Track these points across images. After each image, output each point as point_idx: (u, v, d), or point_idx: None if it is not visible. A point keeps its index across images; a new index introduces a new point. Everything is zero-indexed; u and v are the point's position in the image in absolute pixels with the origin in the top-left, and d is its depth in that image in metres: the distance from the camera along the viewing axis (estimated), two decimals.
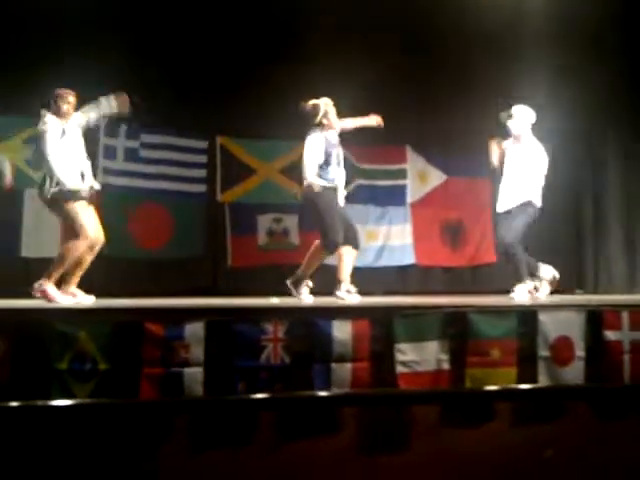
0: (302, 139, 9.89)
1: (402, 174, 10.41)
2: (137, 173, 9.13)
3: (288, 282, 7.26)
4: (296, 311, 5.99)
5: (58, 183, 6.59)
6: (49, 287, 6.54)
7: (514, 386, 5.69)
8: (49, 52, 8.62)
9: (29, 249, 8.69)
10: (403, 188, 10.43)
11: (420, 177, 10.49)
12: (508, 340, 5.83)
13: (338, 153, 7.26)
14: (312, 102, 7.20)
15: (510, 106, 7.79)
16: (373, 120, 7.63)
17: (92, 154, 9.05)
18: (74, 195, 6.64)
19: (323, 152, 7.11)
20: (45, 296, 6.48)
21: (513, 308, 6.07)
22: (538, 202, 7.67)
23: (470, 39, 9.58)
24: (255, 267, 9.73)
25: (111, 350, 5.22)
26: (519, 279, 7.52)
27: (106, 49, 8.72)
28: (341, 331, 5.60)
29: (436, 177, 10.54)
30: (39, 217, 8.71)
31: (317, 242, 7.26)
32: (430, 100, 10.16)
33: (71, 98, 6.87)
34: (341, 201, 7.28)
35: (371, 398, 5.35)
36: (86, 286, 8.69)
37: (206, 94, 9.21)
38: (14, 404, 4.73)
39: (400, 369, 5.66)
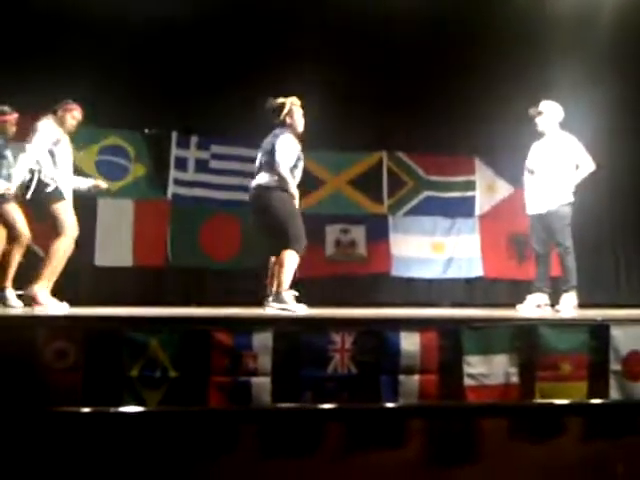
0: (368, 150, 10.05)
1: (471, 186, 10.36)
2: (208, 184, 9.25)
3: (271, 303, 6.78)
4: (363, 322, 5.98)
5: (46, 183, 6.60)
6: (40, 292, 6.52)
7: (585, 401, 5.59)
8: (121, 65, 8.79)
9: (102, 258, 8.84)
10: (472, 200, 10.38)
11: (488, 189, 10.42)
12: (579, 354, 5.73)
13: (299, 156, 6.98)
14: (279, 100, 6.97)
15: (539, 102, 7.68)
16: None
17: (163, 165, 9.26)
18: (60, 195, 6.64)
19: (294, 155, 6.89)
20: (35, 301, 6.46)
21: (584, 322, 5.97)
22: (569, 200, 7.51)
23: (538, 46, 9.50)
24: (322, 278, 9.76)
25: (181, 358, 5.27)
26: (567, 288, 7.49)
27: (177, 64, 8.88)
28: (409, 342, 5.57)
29: (504, 189, 10.46)
30: (111, 226, 8.90)
31: (282, 254, 6.81)
32: (498, 110, 10.10)
33: (77, 114, 6.96)
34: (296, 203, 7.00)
35: (439, 410, 5.31)
36: (155, 295, 8.89)
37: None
38: (86, 410, 4.82)
39: (468, 382, 5.61)
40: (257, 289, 9.23)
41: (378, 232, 10.05)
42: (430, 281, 10.19)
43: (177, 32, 8.82)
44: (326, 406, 5.25)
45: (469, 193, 10.39)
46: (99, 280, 8.90)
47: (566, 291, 7.50)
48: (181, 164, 9.35)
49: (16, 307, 6.41)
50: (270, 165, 6.79)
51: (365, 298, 9.52)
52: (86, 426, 4.79)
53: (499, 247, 10.39)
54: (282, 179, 6.76)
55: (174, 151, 9.34)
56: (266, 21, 9.11)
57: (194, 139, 9.41)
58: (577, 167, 7.54)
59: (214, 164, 9.32)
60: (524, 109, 10.04)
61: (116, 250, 8.87)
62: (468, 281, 10.32)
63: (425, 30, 9.34)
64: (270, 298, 6.80)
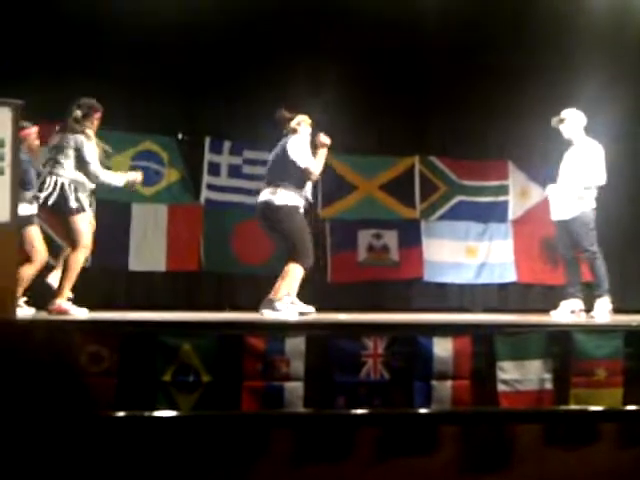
0: (401, 155, 10.03)
1: (504, 190, 10.31)
2: (240, 189, 9.27)
3: (263, 309, 6.74)
4: (396, 327, 5.97)
5: (68, 195, 6.52)
6: (62, 301, 6.52)
7: (620, 407, 5.54)
8: (155, 71, 8.85)
9: (136, 263, 8.90)
10: (505, 204, 10.33)
11: (521, 193, 10.37)
12: (614, 360, 5.68)
13: None
14: (289, 112, 6.96)
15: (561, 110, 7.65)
16: (324, 144, 7.03)
17: (197, 170, 9.31)
18: (82, 208, 6.61)
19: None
20: (60, 311, 6.44)
21: (619, 328, 5.92)
22: (590, 207, 7.47)
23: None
24: (354, 283, 9.75)
25: (214, 363, 5.29)
26: (600, 293, 7.43)
27: (211, 69, 8.93)
28: (442, 348, 5.55)
29: (537, 193, 10.38)
30: (145, 231, 8.95)
31: (287, 265, 6.80)
32: (531, 114, 10.06)
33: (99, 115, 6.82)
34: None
35: (472, 417, 5.29)
36: (188, 300, 8.93)
37: (307, 109, 9.30)
38: (120, 414, 4.85)
39: (502, 387, 5.58)
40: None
41: (410, 237, 10.02)
42: (463, 286, 10.15)
43: (211, 38, 8.87)
44: (359, 411, 5.25)
45: (502, 198, 10.34)
46: (133, 285, 8.96)
47: (600, 296, 7.43)
48: (214, 169, 9.40)
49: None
50: (279, 175, 6.79)
51: (397, 303, 9.50)
52: (120, 430, 4.82)
53: (533, 252, 10.33)
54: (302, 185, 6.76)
55: (207, 156, 9.39)
56: (299, 26, 9.12)
57: (227, 144, 9.45)
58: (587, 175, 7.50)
59: (246, 169, 9.34)
60: (557, 113, 10.06)
61: (150, 255, 8.92)
62: (501, 286, 10.27)
63: (458, 34, 9.31)
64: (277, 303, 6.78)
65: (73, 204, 6.50)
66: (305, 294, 9.46)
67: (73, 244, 6.58)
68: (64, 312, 6.39)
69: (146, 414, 4.89)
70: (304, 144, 6.86)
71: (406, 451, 5.01)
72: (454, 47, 9.46)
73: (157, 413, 4.98)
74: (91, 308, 7.20)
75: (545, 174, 10.32)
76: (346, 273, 9.78)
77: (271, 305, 6.67)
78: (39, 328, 5.36)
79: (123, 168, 8.93)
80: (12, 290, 5.56)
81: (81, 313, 6.45)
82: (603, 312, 7.31)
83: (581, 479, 5.11)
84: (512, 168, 10.35)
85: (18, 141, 5.72)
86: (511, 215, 10.35)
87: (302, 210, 6.92)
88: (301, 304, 6.79)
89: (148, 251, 8.92)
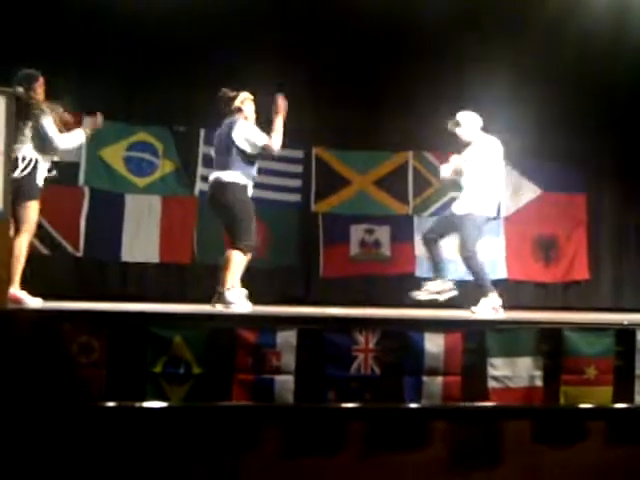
0: (394, 150, 10.03)
1: None
2: None
3: (215, 303, 6.61)
4: (387, 322, 5.97)
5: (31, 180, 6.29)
6: (15, 290, 6.25)
7: (609, 405, 5.56)
8: (153, 62, 8.84)
9: (129, 254, 8.89)
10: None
11: (514, 191, 10.37)
12: (605, 358, 5.69)
13: None
14: (232, 91, 6.80)
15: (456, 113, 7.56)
16: (282, 108, 6.87)
17: (191, 162, 9.30)
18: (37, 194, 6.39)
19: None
20: (15, 300, 6.17)
21: (610, 326, 5.94)
22: (485, 211, 7.36)
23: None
24: (346, 277, 9.76)
25: (205, 355, 5.29)
26: (483, 292, 7.33)
27: (205, 61, 8.90)
28: (433, 344, 5.56)
29: (530, 191, 10.42)
30: (138, 222, 8.94)
31: (228, 253, 6.67)
32: (525, 113, 10.09)
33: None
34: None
35: (462, 412, 5.30)
36: (181, 292, 8.92)
37: (302, 104, 9.30)
38: (110, 405, 4.85)
39: (492, 384, 5.59)
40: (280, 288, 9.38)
41: (403, 232, 10.03)
42: (454, 282, 10.14)
43: (207, 29, 8.83)
44: (349, 405, 5.26)
45: None
46: (125, 276, 8.96)
47: (484, 295, 7.33)
48: (209, 161, 9.36)
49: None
50: (226, 157, 6.63)
51: (389, 298, 9.49)
52: (109, 420, 4.83)
53: (524, 249, 10.35)
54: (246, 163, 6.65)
55: (202, 148, 9.36)
56: (294, 18, 9.11)
57: None
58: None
59: None
60: (551, 111, 10.08)
61: (143, 246, 8.91)
62: (492, 283, 10.26)
63: (452, 29, 9.30)
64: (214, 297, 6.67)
65: (32, 189, 6.30)
66: (297, 288, 9.55)
67: (21, 229, 6.28)
68: (18, 301, 6.19)
69: (136, 405, 4.89)
70: (250, 124, 6.73)
71: (396, 446, 5.03)
72: (445, 43, 9.43)
73: (147, 404, 4.99)
74: (82, 299, 7.20)
75: (538, 173, 10.41)
76: (338, 268, 9.79)
77: (222, 298, 6.54)
78: (29, 318, 5.35)
79: (117, 159, 8.95)
80: (5, 279, 5.55)
81: (35, 303, 6.24)
82: (487, 309, 7.25)
83: (569, 476, 5.13)
84: (505, 165, 10.34)
85: (11, 129, 5.70)
86: (503, 212, 10.35)
87: (250, 191, 6.78)
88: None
89: (141, 242, 8.91)
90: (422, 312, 7.19)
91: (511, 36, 9.25)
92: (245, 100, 6.83)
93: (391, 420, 5.18)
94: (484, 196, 7.33)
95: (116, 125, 8.91)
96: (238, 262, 6.65)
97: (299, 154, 9.66)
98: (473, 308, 7.26)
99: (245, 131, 6.64)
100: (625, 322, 6.11)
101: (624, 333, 5.85)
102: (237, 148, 6.62)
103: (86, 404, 4.88)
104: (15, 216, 6.17)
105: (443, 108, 9.64)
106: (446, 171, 7.61)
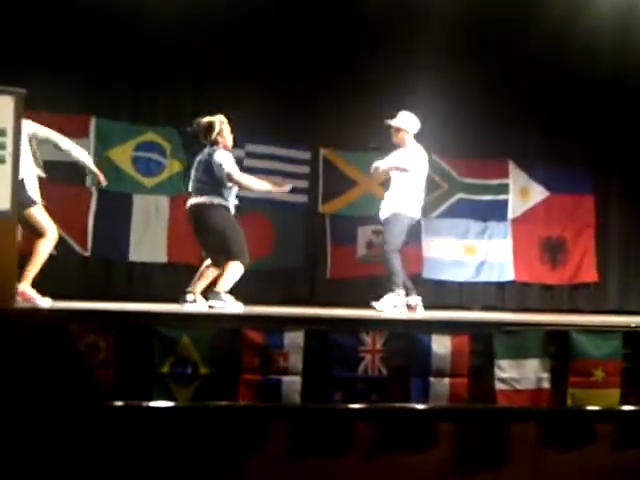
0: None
1: (504, 189, 10.30)
2: None
3: (211, 301, 6.70)
4: (395, 324, 5.97)
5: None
6: (26, 287, 6.33)
7: (617, 407, 5.55)
8: (161, 62, 8.85)
9: (136, 254, 8.89)
10: (505, 203, 10.31)
11: (522, 193, 10.36)
12: (612, 361, 5.70)
13: None
14: (207, 119, 6.92)
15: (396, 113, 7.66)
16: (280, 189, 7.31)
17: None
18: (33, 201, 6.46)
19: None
20: (24, 297, 6.26)
21: (618, 328, 5.93)
22: (411, 212, 7.59)
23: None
24: (353, 278, 9.75)
25: (212, 355, 5.30)
26: (390, 288, 7.42)
27: (213, 61, 8.91)
28: (440, 345, 5.56)
29: (538, 193, 10.39)
30: (146, 222, 8.94)
31: (225, 264, 6.79)
32: (534, 114, 10.08)
33: None
34: None
35: (469, 414, 5.29)
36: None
37: (310, 105, 9.31)
38: (117, 404, 4.85)
39: (499, 386, 5.59)
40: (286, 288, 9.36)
41: (410, 234, 10.00)
42: (461, 284, 10.14)
43: (215, 28, 8.84)
44: (356, 406, 5.26)
45: (502, 196, 10.32)
46: (133, 276, 8.96)
47: (390, 291, 7.44)
48: None
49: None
50: (208, 184, 6.81)
51: None
52: (116, 420, 4.83)
53: (532, 251, 10.33)
54: (230, 188, 6.81)
55: None
56: (303, 18, 9.11)
57: None
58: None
59: (248, 162, 9.31)
60: (559, 113, 10.07)
61: (150, 246, 8.90)
62: (500, 285, 10.26)
63: (461, 33, 9.30)
64: (190, 297, 6.80)
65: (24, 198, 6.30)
66: (304, 289, 9.54)
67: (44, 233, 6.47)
68: (29, 299, 6.25)
69: (143, 404, 4.89)
70: (228, 153, 6.87)
71: (402, 447, 5.02)
72: (452, 47, 9.43)
73: (154, 403, 4.99)
74: (90, 298, 7.21)
75: (546, 174, 10.39)
76: (345, 269, 9.77)
77: (218, 296, 6.63)
78: (38, 317, 5.37)
79: (125, 159, 8.95)
80: (12, 278, 5.57)
81: (44, 302, 6.29)
82: (388, 306, 7.31)
83: (576, 479, 5.11)
84: (513, 167, 10.34)
85: (19, 130, 5.72)
86: (511, 214, 10.33)
87: (233, 212, 6.92)
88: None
89: (149, 242, 8.90)
90: (429, 314, 7.19)
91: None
92: (222, 129, 6.94)
93: (398, 421, 5.18)
94: (410, 199, 7.55)
95: (124, 125, 8.92)
96: (237, 272, 6.77)
97: (306, 155, 9.65)
98: (374, 303, 7.34)
99: (223, 160, 6.78)
100: (633, 324, 6.11)
101: (632, 335, 5.85)
102: (217, 176, 6.78)
103: (93, 403, 4.88)
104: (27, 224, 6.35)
105: (447, 111, 9.74)
106: (376, 169, 7.74)
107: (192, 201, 6.90)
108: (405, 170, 7.53)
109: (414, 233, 9.97)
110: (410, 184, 7.57)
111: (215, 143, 6.91)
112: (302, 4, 9.00)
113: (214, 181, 6.79)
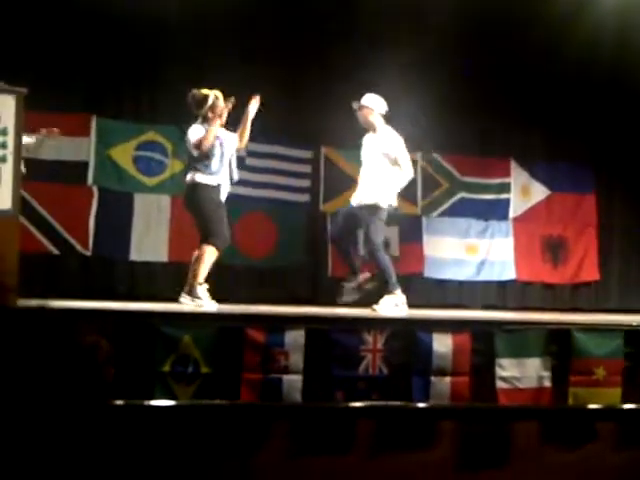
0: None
1: (505, 188, 10.29)
2: (243, 181, 9.22)
3: (183, 298, 6.64)
4: (396, 322, 5.97)
5: None
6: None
7: (619, 406, 5.54)
8: (163, 61, 8.85)
9: (138, 253, 8.88)
10: (506, 202, 10.31)
11: (523, 191, 10.35)
12: (614, 360, 5.70)
13: (223, 151, 6.81)
14: (202, 91, 6.85)
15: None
16: (255, 105, 7.03)
17: None
18: None
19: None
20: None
21: (619, 327, 5.93)
22: (387, 202, 7.23)
23: None
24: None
25: (213, 354, 5.30)
26: (387, 289, 7.16)
27: (215, 61, 8.90)
28: (441, 344, 5.56)
29: (539, 192, 10.38)
30: (148, 221, 8.94)
31: (201, 249, 6.72)
32: (536, 113, 10.07)
33: None
34: (223, 197, 6.91)
35: (470, 413, 5.29)
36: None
37: (312, 104, 9.30)
38: (118, 403, 4.85)
39: (500, 384, 5.59)
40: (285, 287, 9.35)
41: (411, 233, 10.01)
42: (462, 283, 10.14)
43: (215, 28, 8.84)
44: (357, 405, 5.25)
45: (504, 195, 10.32)
46: (134, 275, 8.96)
47: (388, 292, 7.17)
48: None
49: None
50: (189, 161, 6.83)
51: None
52: (117, 419, 4.82)
53: (533, 250, 10.32)
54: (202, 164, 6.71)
55: None
56: (303, 21, 9.11)
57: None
58: (398, 167, 7.28)
59: (250, 161, 9.31)
60: (560, 112, 10.06)
61: (152, 245, 8.89)
62: (501, 284, 10.26)
63: (463, 31, 9.30)
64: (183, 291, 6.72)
65: None
66: (305, 288, 9.54)
67: None
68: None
69: (144, 403, 4.89)
70: (199, 127, 6.75)
71: (404, 446, 5.01)
72: (456, 43, 9.43)
73: (155, 402, 4.99)
74: (91, 297, 7.21)
75: (548, 173, 10.38)
76: (347, 267, 9.76)
77: (192, 292, 6.59)
78: (38, 316, 5.36)
79: (126, 158, 8.94)
80: (13, 276, 5.56)
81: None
82: (389, 307, 7.05)
83: (578, 477, 5.11)
84: (514, 166, 10.33)
85: (21, 129, 5.72)
86: (512, 213, 10.33)
87: (222, 191, 6.86)
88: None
89: (150, 242, 8.89)
90: (430, 312, 7.18)
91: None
92: (214, 104, 6.84)
93: (399, 420, 5.17)
94: (386, 186, 7.21)
95: (125, 124, 8.92)
96: (211, 259, 6.72)
97: (308, 154, 9.64)
98: (375, 306, 7.07)
99: (192, 134, 6.76)
100: (634, 323, 6.11)
101: (633, 334, 5.85)
102: (189, 150, 6.80)
103: (94, 402, 4.88)
104: None
105: (449, 109, 9.74)
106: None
107: (186, 179, 6.90)
108: (390, 158, 7.23)
109: (416, 231, 10.03)
110: (385, 170, 7.25)
111: (205, 118, 6.80)
112: (304, 3, 8.99)
113: (191, 157, 6.81)
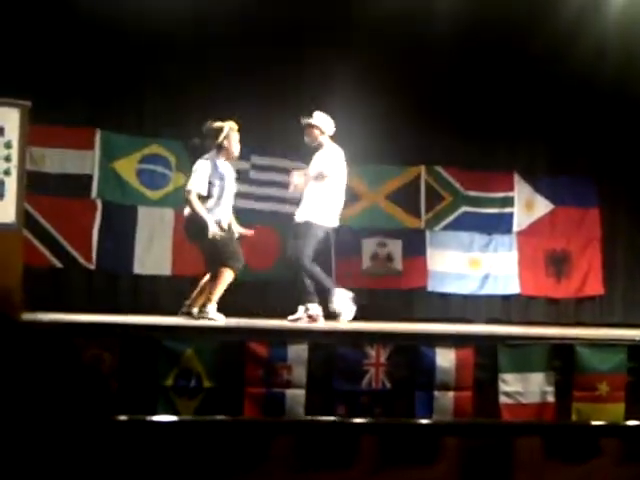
0: (407, 164, 10.03)
1: (509, 202, 10.29)
2: (247, 194, 9.25)
3: (196, 315, 6.82)
4: (399, 337, 5.96)
5: None
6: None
7: (622, 422, 5.53)
8: (167, 75, 8.87)
9: (141, 266, 8.88)
10: (510, 216, 10.31)
11: (527, 206, 10.35)
12: (617, 375, 5.68)
13: (223, 186, 6.98)
14: (217, 123, 6.98)
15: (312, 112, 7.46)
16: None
17: None
18: None
19: (206, 182, 6.88)
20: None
21: (622, 342, 5.91)
22: (326, 222, 7.30)
23: None
24: (357, 291, 9.73)
25: (215, 368, 5.30)
26: (302, 300, 7.16)
27: (217, 75, 8.93)
28: (444, 359, 5.55)
29: (543, 206, 10.38)
30: (151, 235, 8.94)
31: (218, 271, 6.85)
32: (540, 126, 10.08)
33: None
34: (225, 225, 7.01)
35: (473, 428, 5.27)
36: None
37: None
38: (121, 418, 4.84)
39: (504, 400, 5.58)
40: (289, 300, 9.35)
41: (415, 246, 10.01)
42: (466, 297, 10.13)
43: (220, 39, 8.82)
44: (360, 420, 5.24)
45: (507, 209, 10.32)
46: (138, 288, 8.96)
47: (302, 303, 7.19)
48: None
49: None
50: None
51: (400, 313, 9.48)
52: (120, 434, 4.82)
53: (537, 264, 10.31)
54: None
55: None
56: (312, 30, 9.11)
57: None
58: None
59: (254, 175, 9.33)
60: (564, 125, 10.07)
61: (155, 259, 8.89)
62: (504, 298, 10.25)
63: (467, 44, 9.32)
64: (195, 310, 6.86)
65: None
66: None
67: None
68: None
69: (147, 419, 4.88)
70: (202, 168, 6.91)
71: (406, 461, 5.00)
72: (460, 58, 9.45)
73: (158, 418, 4.98)
74: (94, 311, 7.21)
75: (552, 187, 10.38)
76: (350, 281, 9.74)
77: (203, 311, 6.73)
78: (43, 329, 5.37)
79: (130, 172, 8.96)
80: (17, 289, 5.57)
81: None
82: (303, 318, 7.08)
83: None
84: (518, 180, 10.33)
85: (25, 142, 5.73)
86: (516, 227, 10.32)
87: (224, 222, 6.97)
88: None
89: (153, 255, 8.89)
90: (433, 326, 7.17)
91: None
92: (229, 134, 6.99)
93: (402, 435, 5.16)
94: (326, 206, 7.28)
95: (129, 138, 8.93)
96: (227, 280, 6.84)
97: None
98: (290, 317, 7.11)
99: (193, 172, 6.93)
100: (637, 338, 6.09)
101: (636, 349, 5.83)
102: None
103: (98, 416, 4.88)
104: None
105: (452, 123, 9.76)
106: (299, 179, 7.45)
107: (185, 212, 7.00)
108: (323, 176, 7.27)
109: (419, 245, 10.03)
110: (327, 190, 7.31)
111: (219, 148, 6.94)
112: (307, 18, 9.00)
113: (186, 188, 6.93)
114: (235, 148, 7.06)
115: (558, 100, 9.95)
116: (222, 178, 6.95)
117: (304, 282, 7.18)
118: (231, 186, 7.06)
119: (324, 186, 7.31)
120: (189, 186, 6.89)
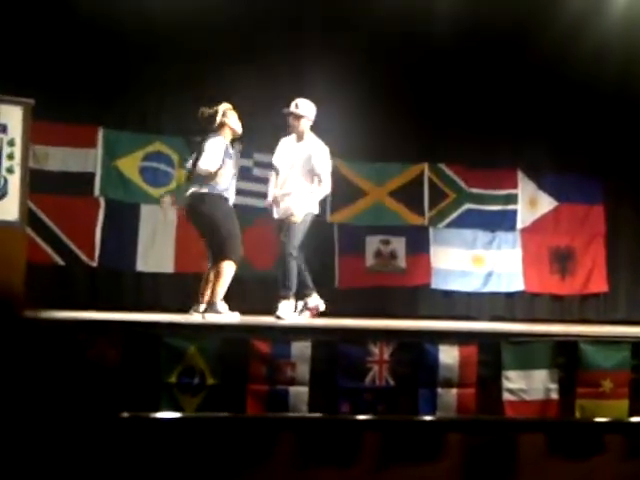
0: (410, 162, 10.03)
1: (513, 199, 10.29)
2: (249, 192, 9.24)
3: (206, 313, 6.67)
4: (402, 334, 5.95)
5: None
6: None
7: (626, 419, 5.52)
8: (170, 72, 8.87)
9: (144, 264, 8.89)
10: (513, 213, 10.30)
11: (530, 203, 10.35)
12: (621, 371, 5.66)
13: (233, 164, 6.83)
14: (211, 108, 6.85)
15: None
16: None
17: None
18: None
19: (220, 159, 6.67)
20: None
21: (626, 339, 5.90)
22: (312, 209, 7.23)
23: None
24: (361, 288, 9.74)
25: (219, 365, 5.29)
26: (283, 294, 7.09)
27: (228, 72, 8.93)
28: (448, 356, 5.54)
29: (547, 203, 10.38)
30: (154, 233, 8.94)
31: (219, 265, 6.71)
32: (543, 123, 10.07)
33: None
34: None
35: (477, 425, 5.28)
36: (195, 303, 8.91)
37: (318, 115, 9.30)
38: (125, 415, 4.85)
39: (507, 396, 5.56)
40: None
41: (418, 244, 10.01)
42: (470, 294, 10.13)
43: (223, 37, 8.82)
44: (363, 417, 5.24)
45: (511, 206, 10.31)
46: (140, 286, 8.97)
47: (285, 298, 7.10)
48: None
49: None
50: (200, 175, 6.70)
51: (404, 310, 9.49)
52: (124, 431, 4.83)
53: (541, 261, 10.31)
54: (211, 181, 6.65)
55: None
56: (316, 28, 9.11)
57: (237, 146, 9.44)
58: (318, 181, 7.20)
59: (257, 172, 9.34)
60: (568, 122, 10.06)
61: (158, 256, 8.91)
62: (508, 295, 10.24)
63: (470, 42, 9.31)
64: (202, 307, 6.74)
65: None
66: None
67: None
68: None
69: (150, 415, 4.89)
70: (218, 145, 6.73)
71: (410, 458, 5.01)
72: (464, 56, 9.44)
73: (161, 414, 4.98)
74: (97, 308, 7.21)
75: (555, 184, 10.37)
76: (353, 278, 9.76)
77: (213, 307, 6.62)
78: (46, 326, 5.37)
79: (133, 169, 8.97)
80: (21, 287, 5.57)
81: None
82: (287, 313, 6.99)
83: None
84: (521, 177, 10.33)
85: (28, 140, 5.74)
86: (520, 224, 10.32)
87: (231, 202, 6.82)
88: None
89: (156, 252, 8.90)
90: (437, 324, 7.16)
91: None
92: (226, 113, 6.87)
93: (406, 432, 5.16)
94: (304, 197, 7.16)
95: (131, 136, 8.95)
96: (230, 273, 6.74)
97: None
98: (278, 313, 7.01)
99: (207, 148, 6.69)
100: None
101: None
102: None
103: (100, 414, 4.88)
104: None
105: (455, 121, 9.75)
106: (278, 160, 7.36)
107: (189, 191, 6.80)
108: (316, 175, 7.16)
109: (423, 242, 10.03)
110: (305, 181, 7.19)
111: (222, 127, 6.82)
112: (308, 16, 9.01)
113: (198, 166, 6.69)
114: (237, 124, 6.89)
115: (562, 97, 9.94)
116: (231, 158, 6.83)
117: (300, 276, 7.17)
118: (236, 168, 6.94)
119: (306, 178, 7.19)
120: (204, 165, 6.62)
